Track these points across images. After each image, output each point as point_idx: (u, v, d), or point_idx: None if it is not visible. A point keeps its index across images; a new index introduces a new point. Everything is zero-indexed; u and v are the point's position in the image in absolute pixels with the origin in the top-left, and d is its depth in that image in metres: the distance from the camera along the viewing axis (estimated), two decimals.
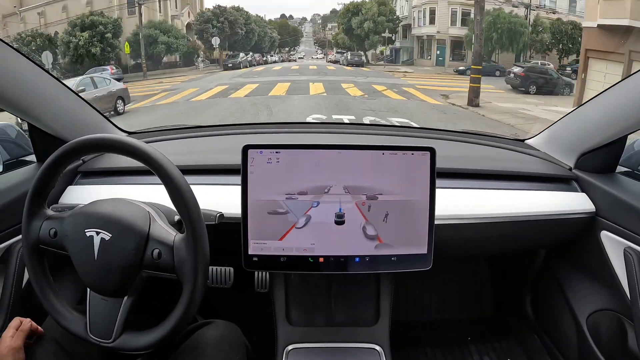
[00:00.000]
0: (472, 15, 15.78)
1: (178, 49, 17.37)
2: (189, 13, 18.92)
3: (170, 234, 0.73)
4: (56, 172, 0.74)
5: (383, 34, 19.44)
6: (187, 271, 0.70)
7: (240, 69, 17.67)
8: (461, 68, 16.09)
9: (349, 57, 19.42)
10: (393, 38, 19.82)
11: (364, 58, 19.62)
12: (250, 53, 19.65)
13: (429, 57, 19.01)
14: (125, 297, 0.72)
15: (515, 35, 15.27)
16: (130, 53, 16.07)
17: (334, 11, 23.45)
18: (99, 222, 0.71)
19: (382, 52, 20.36)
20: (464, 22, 17.50)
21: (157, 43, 16.53)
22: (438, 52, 18.58)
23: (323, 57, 22.47)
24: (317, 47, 24.11)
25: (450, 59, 18.20)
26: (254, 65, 19.12)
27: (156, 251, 0.70)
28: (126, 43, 15.74)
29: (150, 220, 0.73)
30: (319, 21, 25.02)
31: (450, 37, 17.94)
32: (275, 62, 21.05)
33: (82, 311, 0.74)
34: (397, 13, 19.72)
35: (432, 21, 18.43)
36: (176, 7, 18.57)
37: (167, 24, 17.31)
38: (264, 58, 20.64)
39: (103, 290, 0.72)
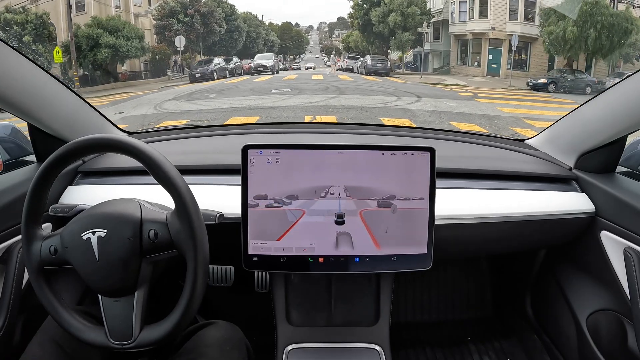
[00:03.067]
0: (539, 3, 11.78)
1: (129, 53, 12.36)
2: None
3: (162, 213, 0.74)
4: (53, 176, 0.74)
5: (419, 29, 14.26)
6: (185, 240, 0.70)
7: (214, 79, 12.74)
8: (541, 81, 10.94)
9: (369, 63, 13.94)
10: (426, 37, 14.41)
11: (389, 63, 14.40)
12: (235, 59, 14.71)
13: (475, 64, 13.71)
14: (136, 292, 0.73)
15: (618, 34, 10.61)
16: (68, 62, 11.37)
17: (341, 18, 21.59)
18: (92, 222, 0.71)
19: (400, 59, 15.33)
20: (527, 16, 12.29)
21: (100, 46, 11.76)
22: (491, 57, 13.24)
23: (330, 65, 19.16)
24: (323, 55, 21.86)
25: (508, 66, 12.86)
26: (238, 74, 14.13)
27: (152, 232, 0.71)
28: (57, 48, 11.03)
29: (140, 207, 0.75)
30: (326, 29, 23.61)
31: (523, 37, 12.26)
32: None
33: (98, 319, 0.75)
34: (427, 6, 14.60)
35: (483, 13, 12.97)
36: (149, 4, 13.97)
37: (119, 21, 12.43)
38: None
39: (112, 290, 0.72)
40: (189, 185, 0.72)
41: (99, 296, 0.73)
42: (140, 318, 0.72)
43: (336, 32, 22.30)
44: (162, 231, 0.72)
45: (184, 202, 0.70)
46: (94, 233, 0.70)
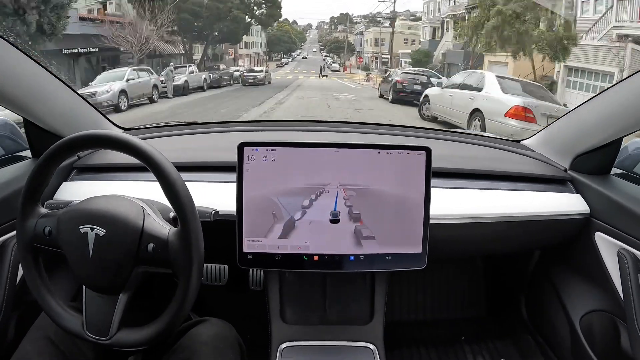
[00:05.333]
0: None
1: None
2: None
3: (165, 228, 0.73)
4: (51, 169, 0.74)
5: None
6: (181, 265, 0.70)
7: None
8: None
9: None
10: None
11: None
12: None
13: None
14: (121, 294, 0.72)
15: None
16: None
17: (345, 14, 19.79)
18: (93, 218, 0.70)
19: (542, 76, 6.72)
20: None
21: None
22: None
23: (338, 69, 13.53)
24: (324, 55, 17.66)
25: None
26: None
27: (151, 245, 0.70)
28: None
29: (144, 215, 0.73)
30: (325, 27, 22.16)
31: None
32: (195, 89, 8.72)
33: (78, 309, 0.74)
34: None
35: None
36: None
37: None
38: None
39: (99, 287, 0.72)
40: (185, 183, 0.72)
41: (83, 287, 0.73)
42: (120, 319, 0.72)
43: (340, 27, 20.10)
44: (161, 248, 0.70)
45: (187, 223, 0.69)
46: (92, 229, 0.69)
